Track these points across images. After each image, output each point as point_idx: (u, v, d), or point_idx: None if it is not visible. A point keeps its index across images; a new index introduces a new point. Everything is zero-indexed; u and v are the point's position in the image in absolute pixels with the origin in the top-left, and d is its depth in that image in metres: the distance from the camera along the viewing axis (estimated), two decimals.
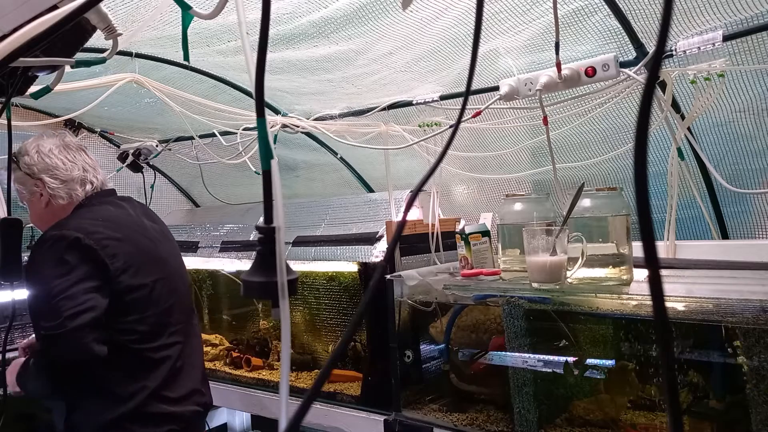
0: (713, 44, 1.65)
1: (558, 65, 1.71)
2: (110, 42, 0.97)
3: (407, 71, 2.23)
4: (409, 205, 1.00)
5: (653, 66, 0.44)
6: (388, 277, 2.06)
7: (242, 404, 2.66)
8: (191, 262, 2.74)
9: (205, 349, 2.85)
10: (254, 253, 0.62)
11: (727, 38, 1.65)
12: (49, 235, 1.74)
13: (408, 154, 2.60)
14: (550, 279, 1.70)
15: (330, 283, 2.61)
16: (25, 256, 1.61)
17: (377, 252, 2.29)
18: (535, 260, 1.72)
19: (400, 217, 2.16)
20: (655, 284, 0.38)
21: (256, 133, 1.11)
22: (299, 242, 2.59)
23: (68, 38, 0.88)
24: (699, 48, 1.68)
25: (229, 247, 2.87)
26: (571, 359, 1.85)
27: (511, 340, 1.84)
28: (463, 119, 1.79)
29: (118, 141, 3.38)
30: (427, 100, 2.33)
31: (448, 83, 2.27)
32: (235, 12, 0.73)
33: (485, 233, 2.11)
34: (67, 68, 0.94)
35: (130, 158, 3.17)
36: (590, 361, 1.87)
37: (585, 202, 1.74)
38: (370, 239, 2.35)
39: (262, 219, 0.61)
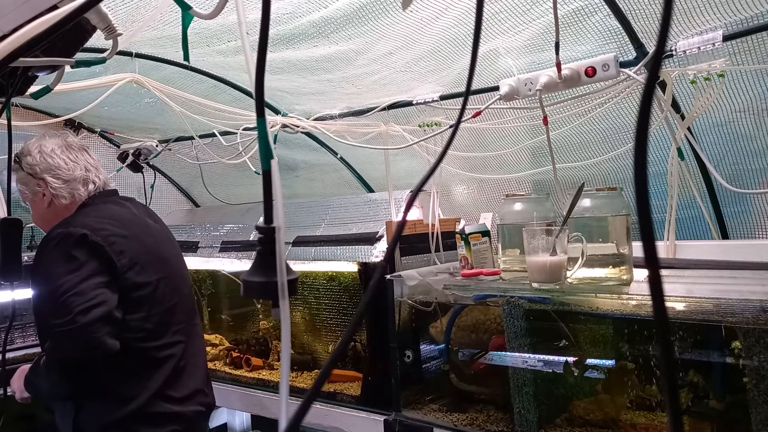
0: (713, 44, 1.65)
1: (558, 65, 1.71)
2: (110, 42, 0.97)
3: (407, 71, 2.23)
4: (409, 205, 1.00)
5: (653, 66, 0.44)
6: (388, 277, 2.06)
7: (242, 404, 2.66)
8: (191, 262, 2.73)
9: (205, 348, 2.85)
10: (254, 253, 0.62)
11: (727, 38, 1.65)
12: (55, 232, 1.74)
13: (408, 154, 2.60)
14: (550, 279, 1.70)
15: (330, 283, 2.61)
16: (25, 256, 1.61)
17: (377, 252, 2.29)
18: (535, 260, 1.72)
19: (400, 217, 2.16)
20: (655, 284, 0.38)
21: (256, 133, 1.11)
22: (299, 242, 2.59)
23: (68, 38, 0.88)
24: (699, 48, 1.68)
25: (229, 247, 2.87)
26: (571, 359, 1.85)
27: (511, 340, 1.84)
28: (463, 119, 1.79)
29: (118, 141, 3.38)
30: (427, 100, 2.33)
31: (448, 83, 2.27)
32: (235, 12, 0.73)
33: (485, 233, 2.11)
34: (67, 68, 0.94)
35: (130, 158, 3.17)
36: (590, 361, 1.87)
37: (585, 202, 1.74)
38: (370, 239, 2.35)
39: (262, 219, 0.61)
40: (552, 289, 1.71)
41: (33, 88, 1.00)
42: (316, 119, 2.60)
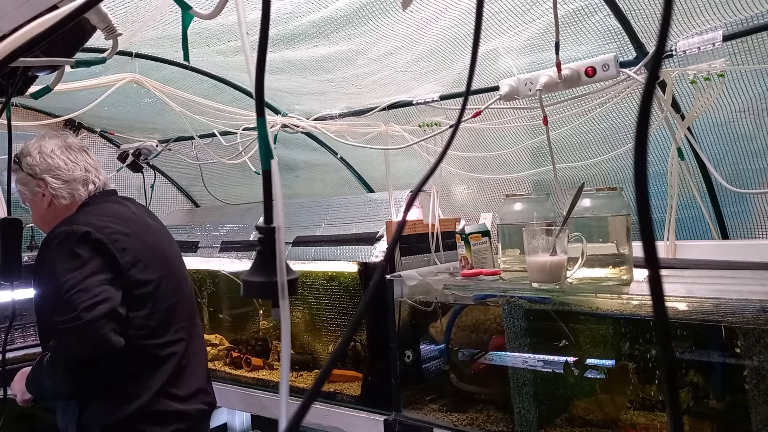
0: (713, 44, 1.65)
1: (558, 65, 1.71)
2: (110, 42, 0.97)
3: (407, 71, 2.23)
4: (409, 205, 1.00)
5: (653, 66, 0.44)
6: (388, 277, 2.06)
7: (242, 404, 2.66)
8: (191, 262, 2.73)
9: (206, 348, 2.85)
10: (254, 253, 0.62)
11: (727, 38, 1.65)
12: (57, 231, 1.74)
13: (408, 154, 2.60)
14: (550, 279, 1.70)
15: (330, 283, 2.61)
16: (25, 256, 1.61)
17: (377, 252, 2.29)
18: (535, 260, 1.72)
19: (400, 217, 2.16)
20: (655, 284, 0.38)
21: (256, 133, 1.11)
22: (299, 242, 2.59)
23: (68, 38, 0.88)
24: (699, 48, 1.68)
25: (229, 247, 2.87)
26: (571, 359, 1.85)
27: (511, 340, 1.84)
28: (463, 119, 1.79)
29: (118, 141, 3.38)
30: (427, 100, 2.33)
31: (448, 83, 2.27)
32: (235, 12, 0.73)
33: (485, 233, 2.11)
34: (67, 68, 0.94)
35: (130, 158, 3.17)
36: (590, 361, 1.87)
37: (585, 202, 1.74)
38: (370, 239, 2.35)
39: (262, 219, 0.61)
40: (552, 289, 1.71)
41: (33, 88, 1.00)
42: (316, 119, 2.60)
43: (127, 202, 1.99)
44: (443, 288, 2.00)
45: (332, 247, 2.46)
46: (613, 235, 1.70)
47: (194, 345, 1.95)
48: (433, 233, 2.35)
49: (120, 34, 0.95)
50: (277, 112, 2.69)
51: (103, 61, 1.06)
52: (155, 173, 3.61)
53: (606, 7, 1.69)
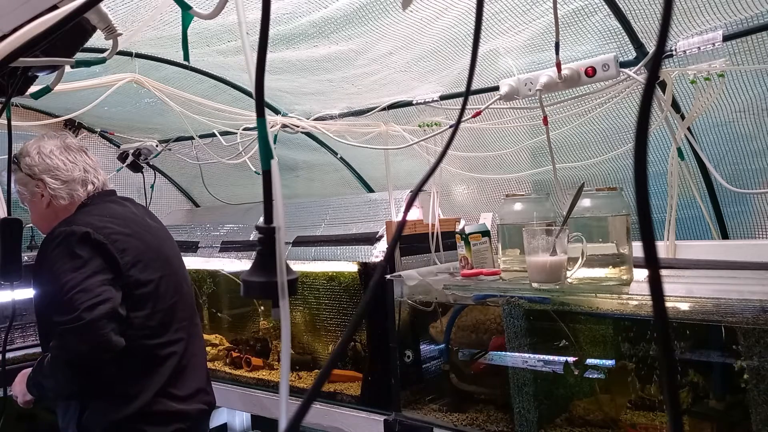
0: (713, 44, 1.65)
1: (558, 65, 1.71)
2: (110, 42, 0.97)
3: (407, 71, 2.23)
4: (409, 205, 1.00)
5: (653, 66, 0.44)
6: (388, 277, 2.06)
7: (242, 404, 2.66)
8: (191, 262, 2.74)
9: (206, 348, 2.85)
10: (254, 253, 0.62)
11: (727, 38, 1.65)
12: (57, 231, 1.74)
13: (408, 154, 2.60)
14: (550, 279, 1.70)
15: (330, 283, 2.61)
16: (25, 256, 1.61)
17: (377, 252, 2.29)
18: (535, 260, 1.72)
19: (400, 217, 2.16)
20: (655, 284, 0.38)
21: (256, 133, 1.11)
22: (299, 242, 2.59)
23: (68, 38, 0.88)
24: (699, 48, 1.68)
25: (229, 247, 2.87)
26: (571, 359, 1.85)
27: (511, 340, 1.84)
28: (463, 119, 1.79)
29: (118, 141, 3.38)
30: (427, 100, 2.33)
31: (448, 83, 2.27)
32: (235, 12, 0.73)
33: (485, 233, 2.11)
34: (67, 68, 0.94)
35: (130, 158, 3.18)
36: (590, 361, 1.87)
37: (585, 202, 1.74)
38: (370, 239, 2.35)
39: (262, 219, 0.61)
40: (552, 289, 1.71)
41: (33, 88, 1.00)
42: (316, 119, 2.60)
43: (127, 203, 2.00)
44: (443, 288, 2.00)
45: (332, 247, 2.46)
46: (613, 235, 1.70)
47: (194, 345, 1.95)
48: (433, 233, 2.35)
49: (120, 34, 0.95)
50: (277, 112, 2.69)
51: (103, 61, 1.06)
52: (155, 173, 3.61)
53: (606, 7, 1.69)
